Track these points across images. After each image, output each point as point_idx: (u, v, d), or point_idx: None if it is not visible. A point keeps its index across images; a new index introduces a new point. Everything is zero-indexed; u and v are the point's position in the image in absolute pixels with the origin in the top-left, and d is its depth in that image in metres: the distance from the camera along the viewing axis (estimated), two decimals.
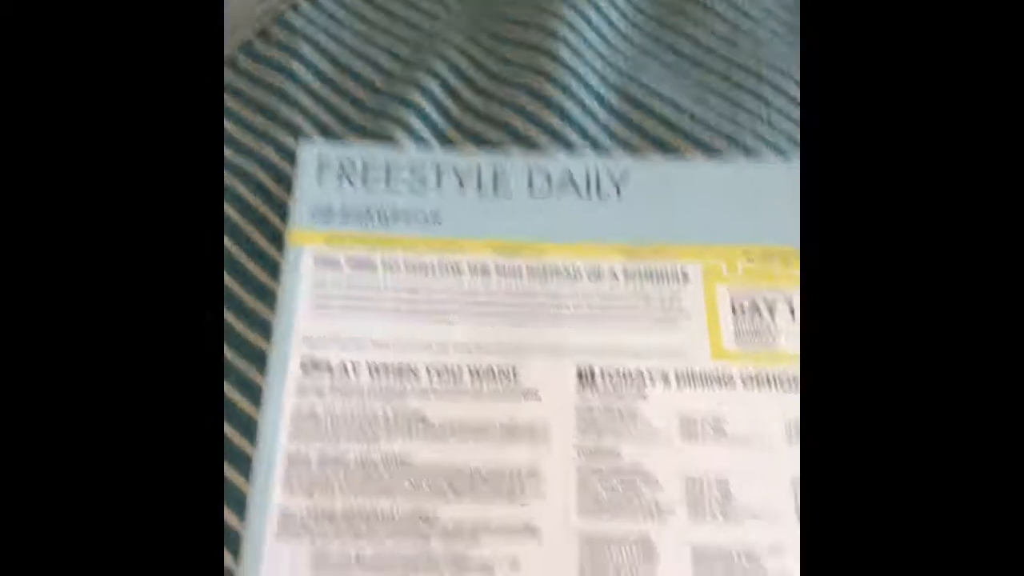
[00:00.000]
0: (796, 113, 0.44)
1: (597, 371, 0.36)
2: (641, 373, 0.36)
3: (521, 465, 0.34)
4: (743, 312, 0.38)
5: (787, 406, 0.35)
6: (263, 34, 0.47)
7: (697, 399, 0.36)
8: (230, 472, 0.34)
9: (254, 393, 0.36)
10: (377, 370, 0.36)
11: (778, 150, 0.43)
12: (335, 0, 0.48)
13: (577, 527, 0.33)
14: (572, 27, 0.46)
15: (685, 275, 0.39)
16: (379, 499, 0.33)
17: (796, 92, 0.45)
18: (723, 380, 0.36)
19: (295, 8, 0.48)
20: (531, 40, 0.46)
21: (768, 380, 0.36)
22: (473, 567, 0.32)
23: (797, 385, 0.36)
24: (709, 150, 0.43)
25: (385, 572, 0.32)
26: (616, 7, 0.48)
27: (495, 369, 0.36)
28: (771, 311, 0.38)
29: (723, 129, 0.43)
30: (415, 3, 0.49)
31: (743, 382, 0.36)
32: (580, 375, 0.36)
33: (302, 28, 0.47)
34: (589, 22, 0.47)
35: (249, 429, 0.35)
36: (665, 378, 0.36)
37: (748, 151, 0.43)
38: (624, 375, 0.36)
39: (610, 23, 0.48)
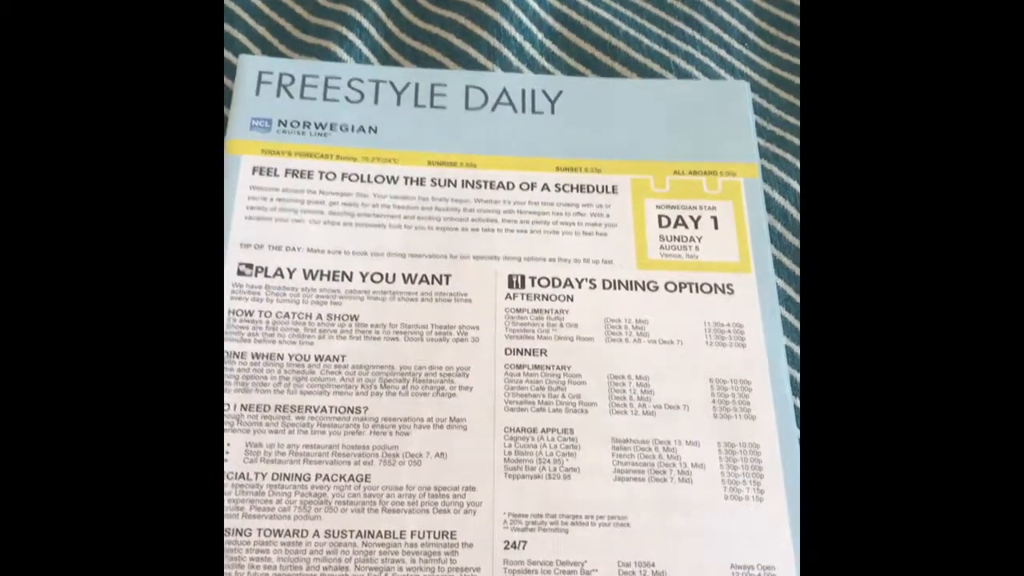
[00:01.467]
0: (726, 37, 0.45)
1: (527, 276, 0.37)
2: (569, 280, 0.38)
3: (451, 363, 0.35)
4: (669, 224, 0.39)
5: (706, 310, 0.37)
6: None
7: (622, 303, 0.37)
8: None
9: None
10: (312, 274, 0.37)
11: (709, 73, 0.44)
12: None
13: (503, 420, 0.34)
14: None
15: (615, 188, 0.40)
16: (312, 396, 0.34)
17: (727, 16, 0.46)
18: (647, 286, 0.38)
19: None
20: None
21: (690, 287, 0.38)
22: (403, 457, 0.33)
23: (716, 290, 0.38)
24: (642, 72, 0.44)
25: (317, 462, 0.33)
26: None
27: (428, 274, 0.37)
28: (696, 223, 0.39)
29: (656, 52, 0.45)
30: None
31: (666, 288, 0.38)
32: (511, 280, 0.37)
33: None
34: None
35: None
36: (592, 284, 0.37)
37: (680, 73, 0.44)
38: (552, 280, 0.37)
39: None
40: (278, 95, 0.41)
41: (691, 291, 0.38)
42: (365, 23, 0.44)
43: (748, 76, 0.44)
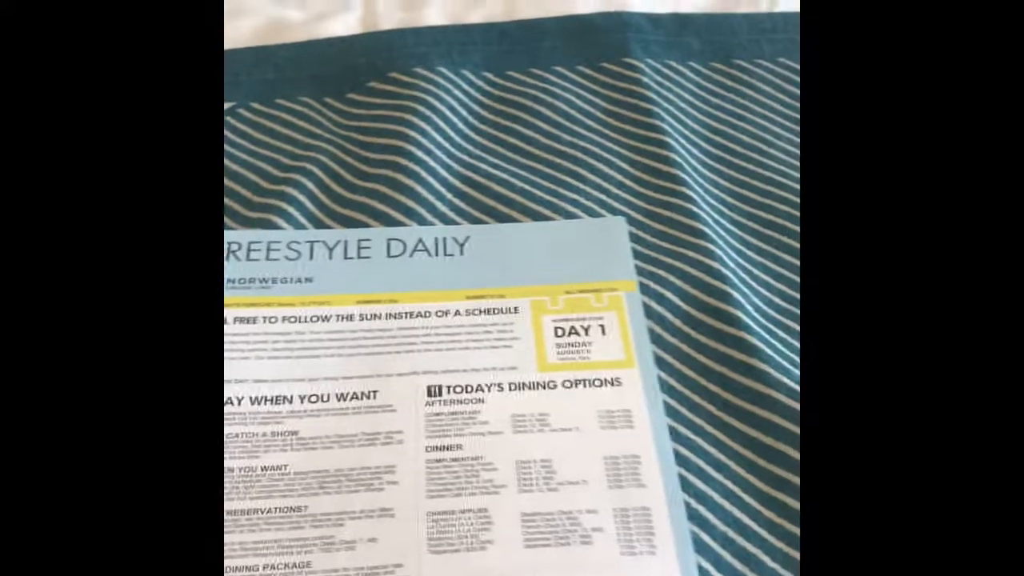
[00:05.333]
0: (605, 184, 0.54)
1: (444, 386, 0.44)
2: (480, 385, 0.44)
3: (380, 463, 0.41)
4: (564, 334, 0.46)
5: (598, 400, 0.43)
6: None
7: (526, 401, 0.43)
8: None
9: None
10: (257, 400, 0.43)
11: (592, 214, 0.53)
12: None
13: (425, 506, 0.40)
14: (422, 131, 0.56)
15: (516, 309, 0.47)
16: (259, 500, 0.39)
17: (606, 168, 0.55)
18: (547, 386, 0.44)
19: None
20: (388, 143, 0.56)
21: (583, 382, 0.44)
22: (339, 545, 0.38)
23: (606, 384, 0.44)
24: (536, 218, 0.52)
25: (264, 555, 0.38)
26: (458, 114, 0.59)
27: (357, 392, 0.43)
28: (586, 331, 0.46)
29: (547, 200, 0.53)
30: (293, 123, 0.59)
31: (563, 385, 0.44)
32: (429, 390, 0.44)
33: None
34: (436, 127, 0.57)
35: None
36: (500, 387, 0.44)
37: (568, 216, 0.52)
38: (465, 387, 0.44)
39: (453, 126, 0.58)
40: (227, 260, 0.49)
41: (584, 386, 0.44)
42: (302, 198, 0.53)
43: (626, 213, 0.53)
